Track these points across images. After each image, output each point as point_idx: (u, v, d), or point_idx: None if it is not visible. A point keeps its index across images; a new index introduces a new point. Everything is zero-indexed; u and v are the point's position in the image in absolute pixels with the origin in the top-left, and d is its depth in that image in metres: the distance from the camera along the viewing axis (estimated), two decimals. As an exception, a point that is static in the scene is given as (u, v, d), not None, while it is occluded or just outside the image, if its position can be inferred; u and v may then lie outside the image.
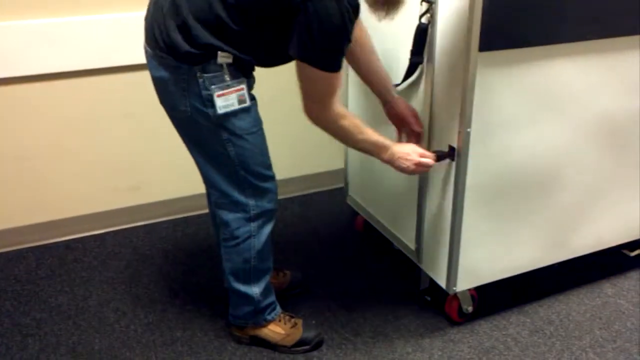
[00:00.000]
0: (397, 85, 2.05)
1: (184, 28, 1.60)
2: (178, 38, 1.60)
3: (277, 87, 2.45)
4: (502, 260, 2.11)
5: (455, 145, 1.86)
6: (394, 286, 2.36)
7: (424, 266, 2.19)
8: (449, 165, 1.91)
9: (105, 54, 2.44)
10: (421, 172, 1.89)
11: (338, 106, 1.69)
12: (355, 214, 2.67)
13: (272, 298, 2.02)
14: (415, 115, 1.97)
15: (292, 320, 2.06)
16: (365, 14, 1.72)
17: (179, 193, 2.78)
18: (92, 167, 2.61)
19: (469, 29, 1.70)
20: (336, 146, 2.85)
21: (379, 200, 2.43)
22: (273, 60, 1.73)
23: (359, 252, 2.58)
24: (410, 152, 1.83)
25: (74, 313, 2.20)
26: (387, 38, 2.12)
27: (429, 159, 1.85)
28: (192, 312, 2.21)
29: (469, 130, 1.81)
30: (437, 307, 2.21)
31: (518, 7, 1.72)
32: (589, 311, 2.22)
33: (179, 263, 2.50)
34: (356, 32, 1.82)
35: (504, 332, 2.11)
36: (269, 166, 1.84)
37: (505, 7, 1.69)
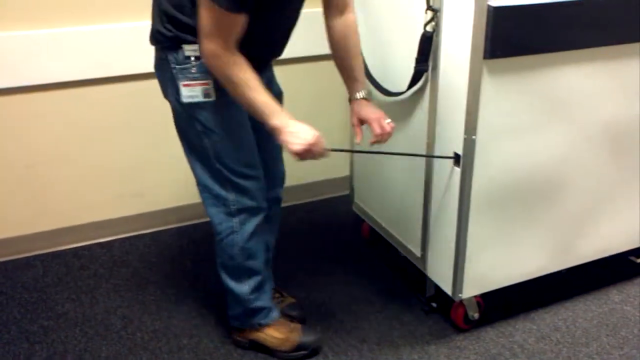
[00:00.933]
0: (402, 93, 2.06)
1: (160, 12, 1.68)
2: (156, 19, 1.71)
3: (285, 96, 2.46)
4: (508, 266, 2.10)
5: (460, 152, 1.87)
6: (400, 293, 2.36)
7: (429, 273, 2.19)
8: (454, 172, 1.91)
9: (109, 64, 2.45)
10: (306, 158, 1.69)
11: (233, 54, 1.59)
12: (361, 220, 2.67)
13: (265, 302, 2.02)
14: (379, 118, 1.88)
15: (291, 325, 2.06)
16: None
17: (184, 200, 2.79)
18: (98, 175, 2.62)
19: (474, 37, 1.71)
20: (342, 153, 2.86)
21: (384, 207, 2.43)
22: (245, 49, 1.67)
23: (364, 259, 2.58)
24: (309, 137, 1.65)
25: (81, 320, 2.21)
26: (392, 46, 2.13)
27: (322, 150, 1.70)
28: (199, 320, 2.21)
29: (474, 137, 1.81)
30: (443, 313, 2.21)
31: (522, 15, 1.72)
32: (595, 318, 2.21)
33: (185, 270, 2.51)
34: (342, 29, 1.85)
35: (510, 339, 2.11)
36: (249, 164, 1.84)
37: (509, 15, 1.69)
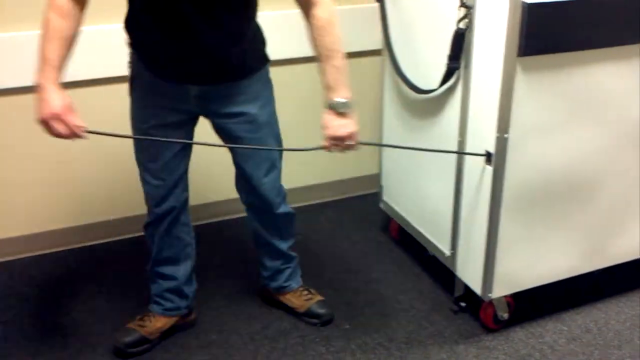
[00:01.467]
0: (434, 90, 2.05)
1: None
2: None
3: (315, 91, 2.44)
4: (539, 267, 2.08)
5: (492, 150, 1.85)
6: (428, 292, 2.34)
7: (458, 272, 2.18)
8: (485, 170, 1.90)
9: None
10: (53, 133, 1.56)
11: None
12: (390, 219, 2.66)
13: (151, 289, 2.10)
14: (328, 137, 1.73)
15: (141, 323, 2.07)
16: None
17: (214, 197, 2.81)
18: (130, 171, 2.64)
19: (507, 34, 1.69)
20: (371, 151, 2.85)
21: (414, 205, 2.42)
22: (136, 28, 1.74)
23: (392, 258, 2.57)
24: (53, 110, 1.50)
25: (113, 314, 2.23)
26: (423, 43, 2.13)
27: (70, 130, 1.56)
28: (228, 316, 2.23)
29: (506, 135, 1.80)
30: (472, 313, 2.20)
31: (557, 12, 1.70)
32: (628, 320, 2.18)
33: (214, 266, 2.52)
34: (311, 29, 1.69)
35: (540, 340, 2.09)
36: (146, 167, 1.90)
37: (544, 12, 1.68)
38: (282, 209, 2.06)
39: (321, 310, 2.19)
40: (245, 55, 1.78)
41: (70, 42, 1.57)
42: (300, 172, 2.92)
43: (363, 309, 2.26)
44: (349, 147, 1.73)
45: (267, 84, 1.90)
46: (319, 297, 2.23)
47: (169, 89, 1.78)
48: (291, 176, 2.89)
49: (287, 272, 2.20)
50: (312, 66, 2.54)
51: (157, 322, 2.08)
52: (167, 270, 2.06)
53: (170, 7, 1.61)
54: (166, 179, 1.90)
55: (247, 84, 1.82)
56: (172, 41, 1.69)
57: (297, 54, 2.59)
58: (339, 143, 1.72)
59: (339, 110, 1.70)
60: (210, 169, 2.62)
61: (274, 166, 1.97)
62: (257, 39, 1.84)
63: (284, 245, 2.15)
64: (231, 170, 2.02)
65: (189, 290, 2.11)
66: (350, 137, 1.71)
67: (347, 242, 2.69)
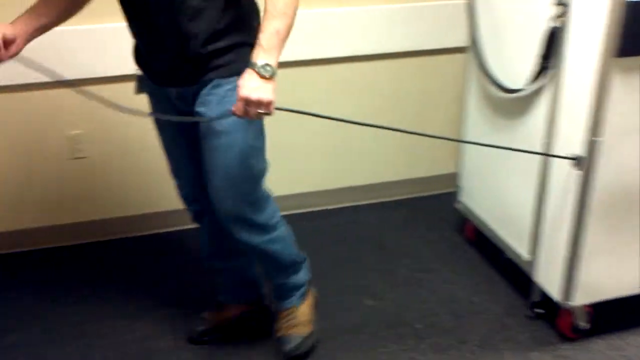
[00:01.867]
0: (522, 90, 2.00)
1: None
2: None
3: (394, 90, 2.43)
4: (625, 276, 2.00)
5: (580, 153, 1.80)
6: (503, 296, 2.30)
7: (537, 278, 2.12)
8: (573, 174, 1.84)
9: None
10: None
11: None
12: (465, 220, 2.62)
13: (217, 283, 2.13)
14: (240, 97, 1.56)
15: (213, 312, 2.13)
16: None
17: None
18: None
19: (605, 33, 1.64)
20: (446, 151, 2.82)
21: (492, 207, 2.38)
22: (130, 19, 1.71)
23: (468, 259, 2.53)
24: None
25: (184, 301, 2.28)
26: (513, 41, 2.08)
27: None
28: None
29: (599, 139, 1.74)
30: (547, 320, 2.14)
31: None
32: None
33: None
34: None
35: (621, 353, 2.01)
36: (171, 167, 1.93)
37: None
38: (241, 237, 1.84)
39: (287, 346, 2.01)
40: (211, 56, 1.67)
41: (40, 22, 1.71)
42: (377, 169, 2.92)
43: (436, 308, 2.23)
44: (259, 115, 1.59)
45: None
46: (299, 331, 2.04)
47: (157, 91, 1.78)
48: (368, 173, 2.91)
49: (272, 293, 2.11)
50: (312, 68, 2.51)
51: (228, 312, 2.11)
52: (221, 264, 2.07)
53: None
54: (184, 178, 1.91)
55: (214, 86, 1.70)
56: (142, 33, 1.69)
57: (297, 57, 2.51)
58: (250, 108, 1.56)
59: (260, 72, 1.55)
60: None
61: (234, 188, 1.77)
62: (235, 42, 1.69)
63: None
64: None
65: (253, 279, 2.11)
66: (264, 104, 1.55)
67: (422, 241, 2.66)
